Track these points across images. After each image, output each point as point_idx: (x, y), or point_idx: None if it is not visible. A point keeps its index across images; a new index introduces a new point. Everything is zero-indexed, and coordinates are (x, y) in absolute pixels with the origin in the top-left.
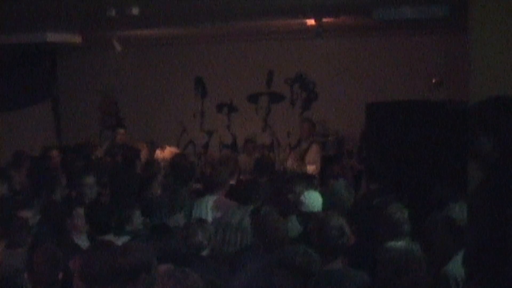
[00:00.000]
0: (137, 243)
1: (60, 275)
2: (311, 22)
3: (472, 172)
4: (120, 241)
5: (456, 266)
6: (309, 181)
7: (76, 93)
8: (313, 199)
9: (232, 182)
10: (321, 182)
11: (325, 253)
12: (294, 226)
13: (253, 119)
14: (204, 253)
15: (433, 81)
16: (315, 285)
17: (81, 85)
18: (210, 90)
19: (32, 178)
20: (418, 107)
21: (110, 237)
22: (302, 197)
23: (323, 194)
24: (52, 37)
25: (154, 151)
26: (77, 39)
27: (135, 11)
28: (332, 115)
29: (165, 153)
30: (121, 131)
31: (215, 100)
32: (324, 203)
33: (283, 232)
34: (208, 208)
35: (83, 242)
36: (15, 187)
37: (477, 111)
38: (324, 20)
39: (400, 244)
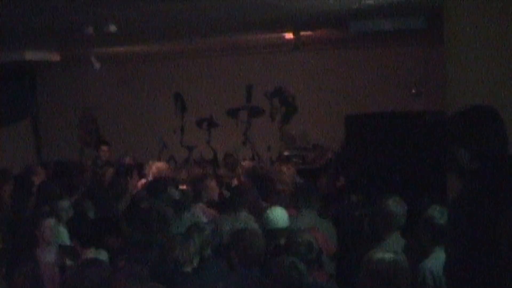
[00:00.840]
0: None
1: None
2: (289, 35)
3: (451, 182)
4: (102, 256)
5: (433, 262)
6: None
7: (56, 110)
8: (279, 215)
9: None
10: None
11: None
12: None
13: (233, 134)
14: (189, 268)
15: (412, 91)
16: None
17: (61, 102)
18: (190, 106)
19: (16, 195)
20: (397, 118)
21: (92, 251)
22: (267, 213)
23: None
24: (31, 55)
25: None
26: (55, 57)
27: (112, 28)
28: (312, 128)
29: (153, 169)
30: (104, 148)
31: (194, 115)
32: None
33: (262, 248)
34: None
35: (50, 254)
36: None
37: (453, 122)
38: (302, 33)
39: (387, 255)
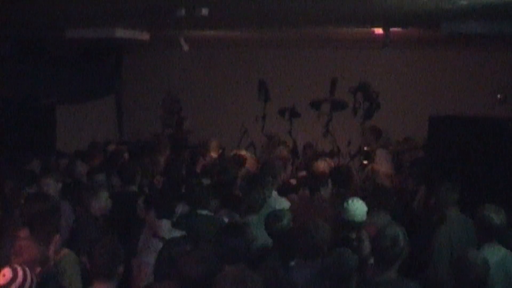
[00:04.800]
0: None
1: (120, 269)
2: (378, 31)
3: None
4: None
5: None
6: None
7: (140, 89)
8: (358, 209)
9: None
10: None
11: (378, 262)
12: None
13: (314, 125)
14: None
15: (498, 96)
16: None
17: (146, 82)
18: (273, 94)
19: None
20: (481, 123)
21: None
22: (348, 204)
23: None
24: (121, 33)
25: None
26: (145, 36)
27: (204, 12)
28: (394, 126)
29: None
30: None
31: (277, 104)
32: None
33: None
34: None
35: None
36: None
37: None
38: (392, 30)
39: (481, 254)
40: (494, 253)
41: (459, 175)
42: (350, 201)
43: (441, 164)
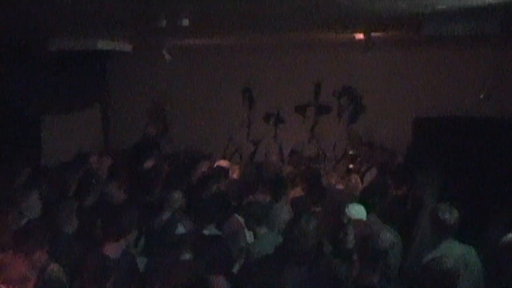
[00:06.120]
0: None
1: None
2: (359, 36)
3: None
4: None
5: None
6: None
7: (126, 98)
8: (359, 213)
9: None
10: None
11: (362, 261)
12: None
13: (299, 130)
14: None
15: (481, 96)
16: None
17: (131, 91)
18: (258, 100)
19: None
20: (466, 122)
21: None
22: (348, 209)
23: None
24: (103, 44)
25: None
26: (127, 47)
27: (185, 22)
28: (379, 128)
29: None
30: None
31: (262, 110)
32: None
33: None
34: None
35: None
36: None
37: None
38: (373, 34)
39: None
40: (452, 249)
41: (444, 174)
42: (350, 206)
43: (426, 165)
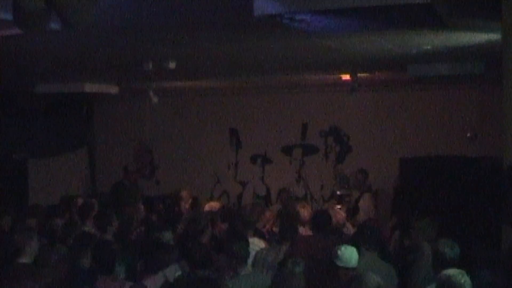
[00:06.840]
0: None
1: None
2: (346, 77)
3: (507, 231)
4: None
5: None
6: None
7: (112, 141)
8: (350, 255)
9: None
10: None
11: None
12: None
13: (286, 171)
14: None
15: (468, 135)
16: None
17: (117, 133)
18: (245, 141)
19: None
20: (452, 162)
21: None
22: (341, 251)
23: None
24: (90, 87)
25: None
26: (113, 90)
27: (171, 65)
28: (366, 168)
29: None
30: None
31: (249, 151)
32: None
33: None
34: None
35: None
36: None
37: None
38: (359, 75)
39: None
40: None
41: (432, 214)
42: (343, 248)
43: (414, 204)
